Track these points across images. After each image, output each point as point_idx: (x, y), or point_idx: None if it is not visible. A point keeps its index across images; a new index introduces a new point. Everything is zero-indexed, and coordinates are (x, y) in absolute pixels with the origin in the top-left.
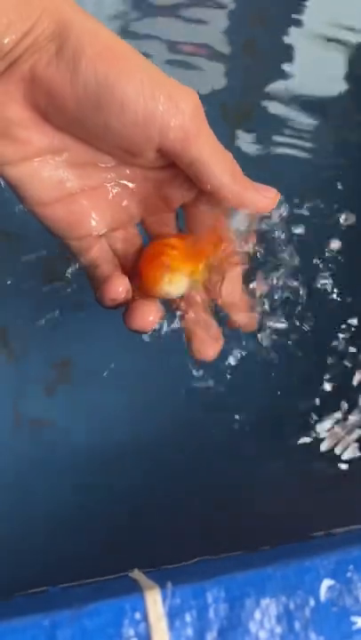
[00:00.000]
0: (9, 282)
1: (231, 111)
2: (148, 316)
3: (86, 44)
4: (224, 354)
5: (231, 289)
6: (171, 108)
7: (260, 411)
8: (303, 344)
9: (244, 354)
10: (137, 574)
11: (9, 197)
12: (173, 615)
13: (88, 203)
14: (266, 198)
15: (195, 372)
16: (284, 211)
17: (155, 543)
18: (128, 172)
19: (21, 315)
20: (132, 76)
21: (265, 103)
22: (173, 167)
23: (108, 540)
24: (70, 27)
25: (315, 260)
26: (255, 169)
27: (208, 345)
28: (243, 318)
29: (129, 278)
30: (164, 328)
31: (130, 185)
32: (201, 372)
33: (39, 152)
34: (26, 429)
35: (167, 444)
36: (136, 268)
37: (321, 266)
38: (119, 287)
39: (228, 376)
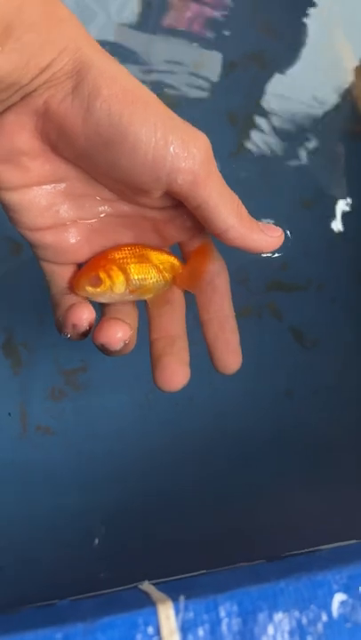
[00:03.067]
0: (15, 288)
1: (239, 120)
2: (116, 333)
3: (103, 85)
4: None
5: (220, 303)
6: (182, 151)
7: (264, 419)
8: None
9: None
10: (147, 586)
11: None
12: (186, 629)
13: (78, 233)
14: (271, 238)
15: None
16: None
17: (162, 552)
18: (126, 208)
19: (28, 321)
20: (146, 119)
21: (272, 112)
22: (173, 209)
23: (113, 548)
24: (89, 66)
25: None
26: (262, 178)
27: (174, 371)
28: (227, 354)
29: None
30: None
31: (126, 220)
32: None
33: (41, 181)
34: (32, 435)
35: (172, 453)
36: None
37: None
38: (83, 314)
39: (233, 385)
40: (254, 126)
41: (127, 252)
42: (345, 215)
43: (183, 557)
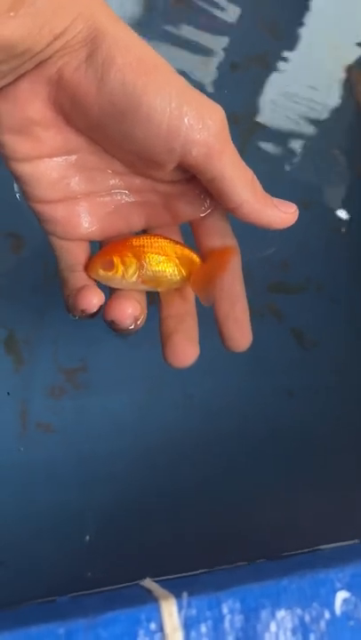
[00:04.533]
0: (17, 285)
1: (241, 121)
2: (127, 309)
3: (117, 54)
4: (230, 368)
5: (231, 282)
6: (197, 123)
7: (264, 419)
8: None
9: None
10: (149, 583)
11: (19, 200)
12: (189, 626)
13: (88, 208)
14: (286, 214)
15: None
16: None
17: (161, 551)
18: (138, 181)
19: (29, 319)
20: (161, 89)
21: (275, 114)
22: (185, 183)
23: (112, 547)
24: (103, 35)
25: None
26: (264, 179)
27: (184, 348)
28: (236, 329)
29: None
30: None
31: (137, 195)
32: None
33: (53, 152)
34: (32, 433)
35: (172, 452)
36: None
37: None
38: (93, 299)
39: (235, 384)
40: (256, 128)
41: (147, 241)
42: (345, 216)
43: (183, 556)
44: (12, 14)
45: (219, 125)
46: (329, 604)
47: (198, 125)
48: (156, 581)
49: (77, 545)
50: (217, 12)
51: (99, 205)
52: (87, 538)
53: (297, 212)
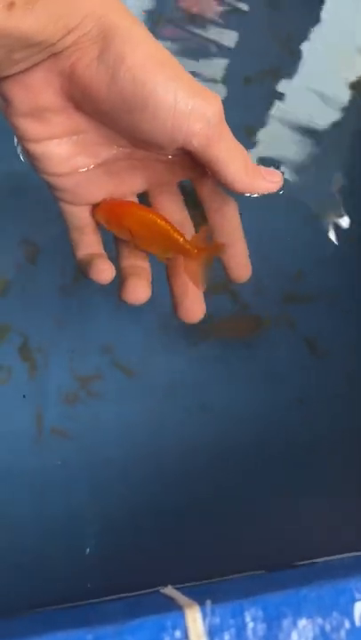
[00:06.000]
0: (32, 293)
1: (255, 134)
2: (143, 294)
3: (128, 52)
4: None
5: (231, 227)
6: (199, 118)
7: (276, 427)
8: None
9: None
10: (170, 591)
11: (35, 208)
12: (213, 634)
13: (95, 177)
14: (272, 183)
15: None
16: None
17: (176, 557)
18: (141, 152)
19: (44, 326)
20: (168, 88)
21: (287, 126)
22: (185, 153)
23: (126, 552)
24: (115, 33)
25: None
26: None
27: (192, 304)
28: (237, 264)
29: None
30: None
31: (139, 162)
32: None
33: (62, 133)
34: (47, 439)
35: (185, 460)
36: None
37: None
38: (102, 275)
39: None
40: (270, 140)
41: (145, 218)
42: (358, 227)
43: (197, 563)
44: (29, 7)
45: (217, 116)
46: (348, 614)
47: (200, 120)
48: (177, 588)
49: (90, 550)
50: (229, 26)
51: (104, 174)
52: (100, 543)
53: (281, 180)
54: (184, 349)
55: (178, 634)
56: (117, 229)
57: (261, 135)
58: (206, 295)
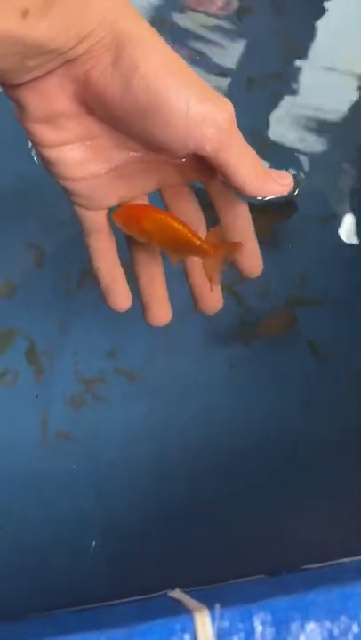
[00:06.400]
0: (38, 296)
1: (259, 136)
2: (164, 318)
3: (141, 60)
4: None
5: (242, 226)
6: (211, 124)
7: (281, 430)
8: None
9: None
10: (178, 594)
11: (41, 212)
12: (222, 637)
13: (108, 182)
14: (283, 186)
15: None
16: None
17: (180, 560)
18: (153, 155)
19: (49, 330)
20: (181, 95)
21: (291, 129)
22: (196, 157)
23: (129, 555)
24: (128, 40)
25: None
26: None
27: (208, 296)
28: (250, 261)
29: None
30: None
31: (151, 164)
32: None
33: (76, 139)
34: (52, 442)
35: (190, 463)
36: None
37: None
38: (122, 304)
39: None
40: (273, 143)
41: (162, 221)
42: None
43: (201, 567)
44: (43, 14)
45: (228, 122)
46: (357, 618)
47: (211, 126)
48: (186, 592)
49: (94, 553)
50: (233, 29)
51: (117, 178)
52: (106, 547)
53: (292, 183)
54: (188, 353)
55: (187, 637)
56: (136, 233)
57: (266, 138)
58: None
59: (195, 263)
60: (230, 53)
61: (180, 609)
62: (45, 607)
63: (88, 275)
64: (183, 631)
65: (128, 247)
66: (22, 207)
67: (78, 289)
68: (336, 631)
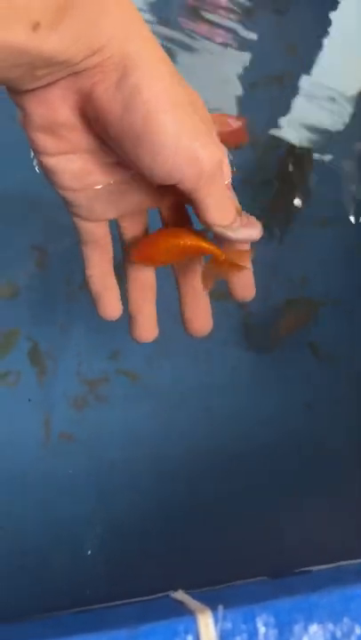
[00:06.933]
0: (41, 298)
1: (261, 138)
2: (150, 336)
3: (145, 86)
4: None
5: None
6: (195, 166)
7: (283, 430)
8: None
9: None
10: (181, 595)
11: (45, 215)
12: (225, 638)
13: (107, 195)
14: (244, 241)
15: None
16: None
17: (181, 560)
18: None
19: (52, 331)
20: (176, 131)
21: (293, 131)
22: None
23: (130, 556)
24: (135, 62)
25: None
26: (281, 197)
27: (198, 317)
28: (243, 285)
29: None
30: None
31: (149, 183)
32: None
33: (76, 150)
34: (55, 443)
35: (192, 465)
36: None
37: None
38: (111, 313)
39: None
40: (275, 144)
41: (169, 247)
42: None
43: (202, 568)
44: (54, 27)
45: (212, 168)
46: (359, 620)
47: (196, 168)
48: (188, 593)
49: (95, 553)
50: (237, 32)
51: (116, 193)
52: (106, 547)
53: (259, 234)
54: (190, 354)
55: (190, 638)
56: (159, 264)
57: (268, 140)
58: (213, 301)
59: (188, 287)
60: (233, 55)
61: (182, 610)
62: (46, 608)
63: None
64: (186, 632)
65: (123, 260)
66: (26, 210)
67: (81, 291)
68: (339, 633)
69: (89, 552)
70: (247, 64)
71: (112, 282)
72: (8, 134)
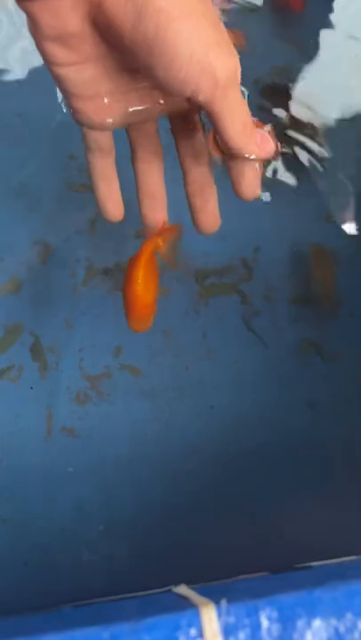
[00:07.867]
0: (43, 293)
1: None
2: (160, 217)
3: None
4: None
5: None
6: (208, 76)
7: (285, 429)
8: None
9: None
10: (184, 590)
11: (48, 210)
12: (228, 632)
13: (115, 103)
14: (262, 152)
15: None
16: None
17: (183, 556)
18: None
19: (54, 326)
20: (190, 39)
21: (297, 127)
22: None
23: (133, 551)
24: None
25: None
26: (286, 194)
27: (207, 216)
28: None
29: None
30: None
31: (157, 88)
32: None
33: (87, 59)
34: (57, 437)
35: (193, 461)
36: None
37: None
38: (114, 216)
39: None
40: (280, 139)
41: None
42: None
43: (203, 563)
44: None
45: (227, 78)
46: None
47: (209, 79)
48: (192, 588)
49: (98, 548)
50: (242, 27)
51: (124, 100)
52: (107, 542)
53: (272, 150)
54: (193, 351)
55: (193, 632)
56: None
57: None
58: (215, 298)
59: (197, 190)
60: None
61: (185, 604)
62: (49, 602)
63: (93, 272)
64: (189, 626)
65: (129, 143)
66: (28, 205)
67: (83, 286)
68: (342, 628)
69: (94, 546)
70: (250, 60)
71: (116, 187)
72: (10, 131)
